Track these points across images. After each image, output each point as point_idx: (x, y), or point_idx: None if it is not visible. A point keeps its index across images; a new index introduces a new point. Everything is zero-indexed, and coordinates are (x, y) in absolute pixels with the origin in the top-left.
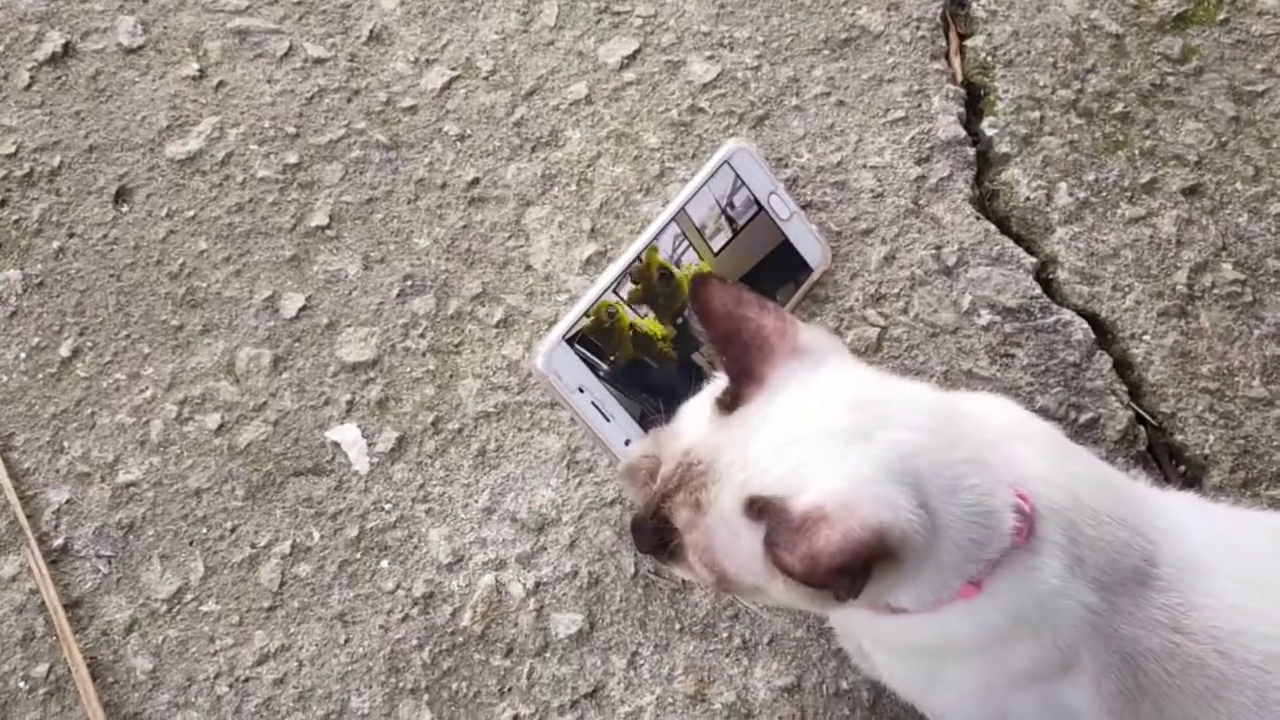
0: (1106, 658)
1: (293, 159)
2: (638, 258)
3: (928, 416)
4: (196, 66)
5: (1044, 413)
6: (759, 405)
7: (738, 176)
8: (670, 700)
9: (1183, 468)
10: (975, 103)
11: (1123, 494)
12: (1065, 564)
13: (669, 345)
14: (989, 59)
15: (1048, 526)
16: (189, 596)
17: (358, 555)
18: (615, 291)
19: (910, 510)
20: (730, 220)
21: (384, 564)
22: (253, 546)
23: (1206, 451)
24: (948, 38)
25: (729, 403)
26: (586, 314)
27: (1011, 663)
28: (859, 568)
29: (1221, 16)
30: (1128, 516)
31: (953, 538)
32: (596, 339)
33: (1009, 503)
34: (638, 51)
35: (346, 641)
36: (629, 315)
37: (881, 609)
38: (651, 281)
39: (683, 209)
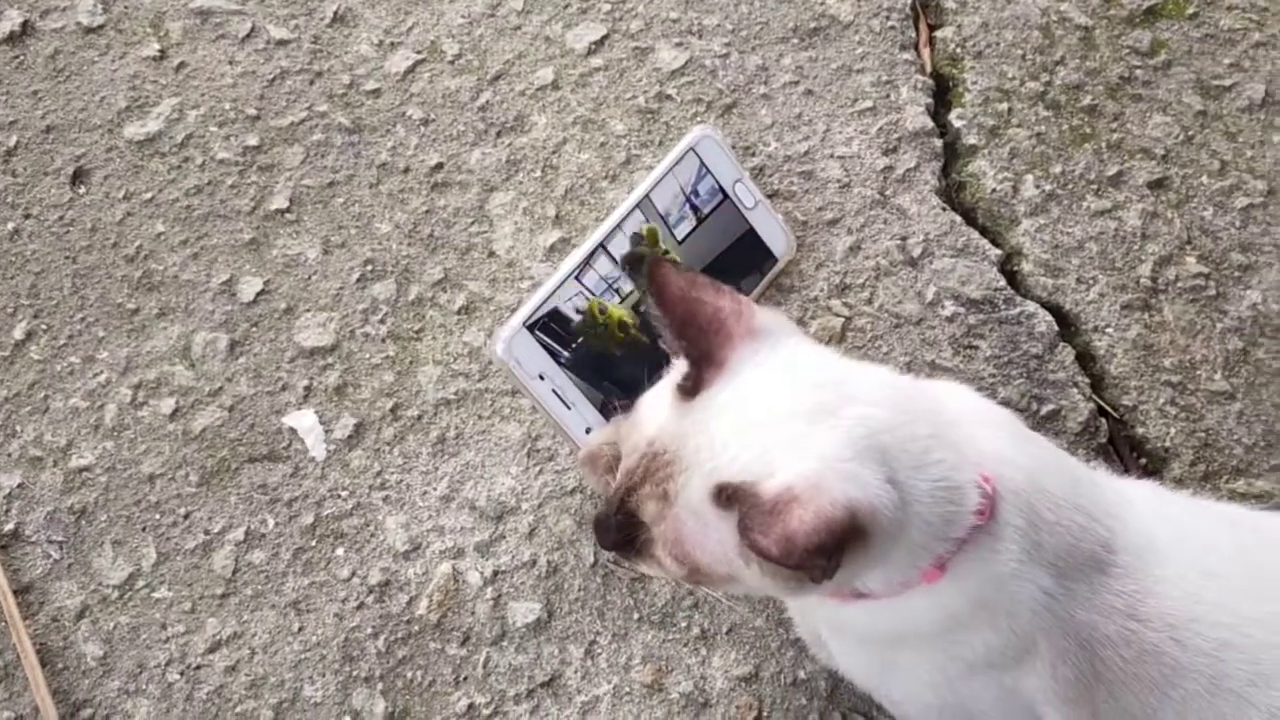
0: (1063, 644)
1: (253, 141)
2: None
3: (890, 392)
4: (157, 47)
5: (1006, 404)
6: (720, 389)
7: (703, 164)
8: (627, 690)
9: (1144, 460)
10: (943, 94)
11: (1081, 480)
12: (1024, 547)
13: (638, 332)
14: (958, 50)
15: (1008, 508)
16: (141, 583)
17: (313, 543)
18: (578, 279)
19: (878, 486)
20: (695, 209)
21: (340, 552)
22: (206, 533)
23: (1167, 444)
24: (917, 29)
25: (690, 388)
26: (579, 311)
27: (970, 649)
28: (834, 545)
29: (1191, 10)
30: (1085, 502)
31: (921, 514)
32: (591, 337)
33: (973, 480)
34: (605, 37)
35: (300, 629)
36: (620, 310)
37: (848, 595)
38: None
39: (647, 196)
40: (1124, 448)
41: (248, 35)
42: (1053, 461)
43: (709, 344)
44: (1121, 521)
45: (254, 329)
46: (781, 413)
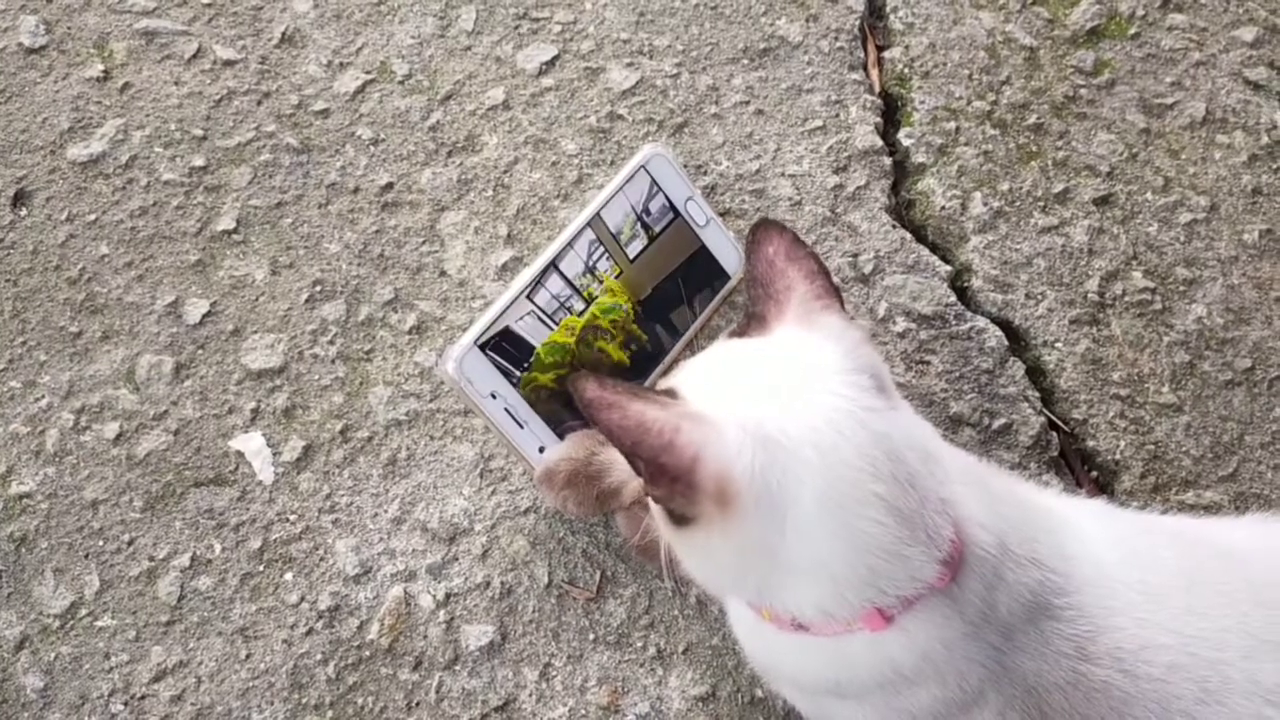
0: (1011, 691)
1: (199, 162)
2: (568, 250)
3: (877, 441)
4: (101, 68)
5: (958, 419)
6: (747, 343)
7: (654, 182)
8: (583, 712)
9: (1094, 473)
10: (892, 113)
11: (1040, 529)
12: (981, 611)
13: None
14: (906, 70)
15: (972, 576)
16: (83, 611)
17: (261, 568)
18: (530, 297)
19: (748, 472)
20: (646, 227)
21: (288, 576)
22: (151, 559)
23: (1118, 457)
24: (866, 49)
25: (736, 333)
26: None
27: (914, 702)
28: (638, 452)
29: (1133, 31)
30: (1044, 552)
31: (834, 551)
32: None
33: (937, 556)
34: (556, 58)
35: (248, 657)
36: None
37: (785, 621)
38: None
39: (598, 215)
40: (1075, 461)
41: (194, 56)
42: (1021, 518)
43: (766, 309)
44: (1074, 561)
45: (200, 351)
46: (762, 373)
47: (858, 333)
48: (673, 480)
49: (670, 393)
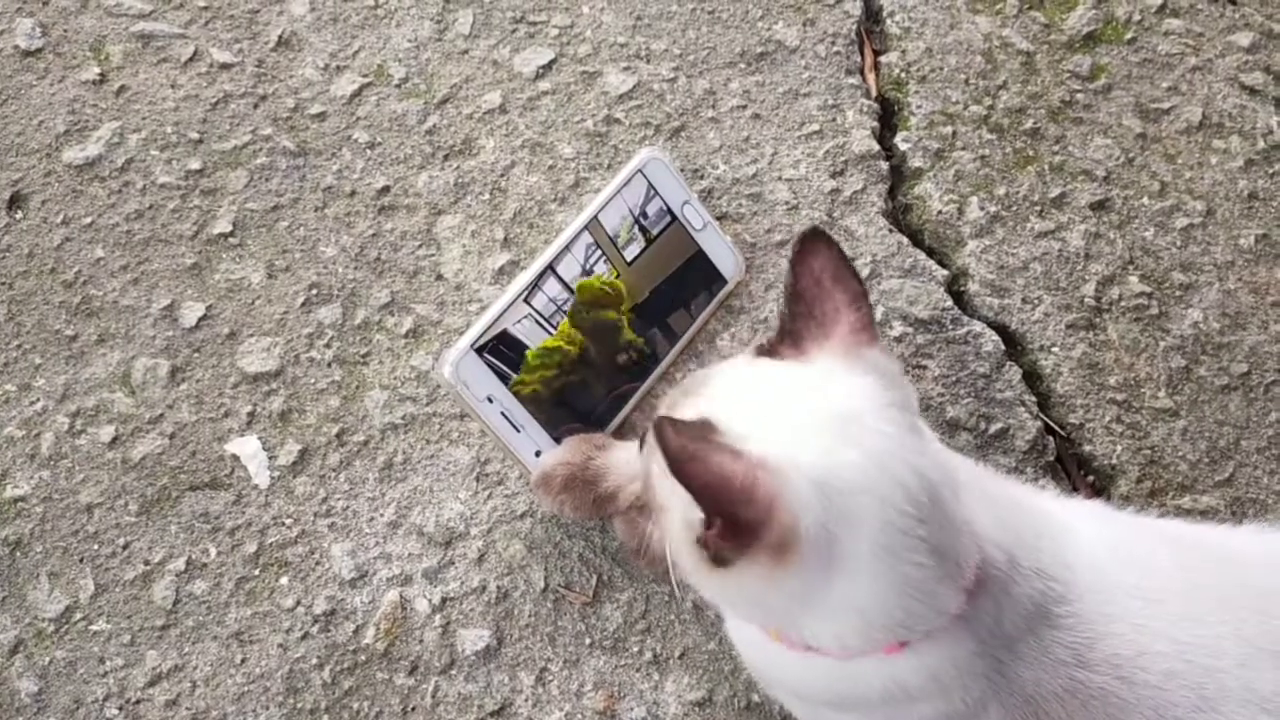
0: (1011, 702)
1: (195, 165)
2: (565, 254)
3: (923, 483)
4: (97, 71)
5: (954, 424)
6: (783, 367)
7: (651, 186)
8: (580, 717)
9: (1091, 477)
10: (889, 118)
11: (1042, 536)
12: (990, 629)
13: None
14: (903, 75)
15: (985, 596)
16: (78, 616)
17: (256, 572)
18: (527, 301)
19: (815, 523)
20: (644, 230)
21: (284, 581)
22: (146, 563)
23: (1114, 461)
24: (862, 54)
25: (765, 351)
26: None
27: (914, 716)
28: (721, 500)
29: (1129, 35)
30: (1046, 562)
31: (875, 595)
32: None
33: (962, 585)
34: (553, 61)
35: (243, 661)
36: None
37: (796, 643)
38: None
39: (595, 218)
40: (1071, 465)
41: (190, 59)
42: (1023, 527)
43: (806, 331)
44: (1074, 568)
45: (196, 355)
46: (813, 411)
47: (897, 366)
48: (746, 532)
49: (707, 424)
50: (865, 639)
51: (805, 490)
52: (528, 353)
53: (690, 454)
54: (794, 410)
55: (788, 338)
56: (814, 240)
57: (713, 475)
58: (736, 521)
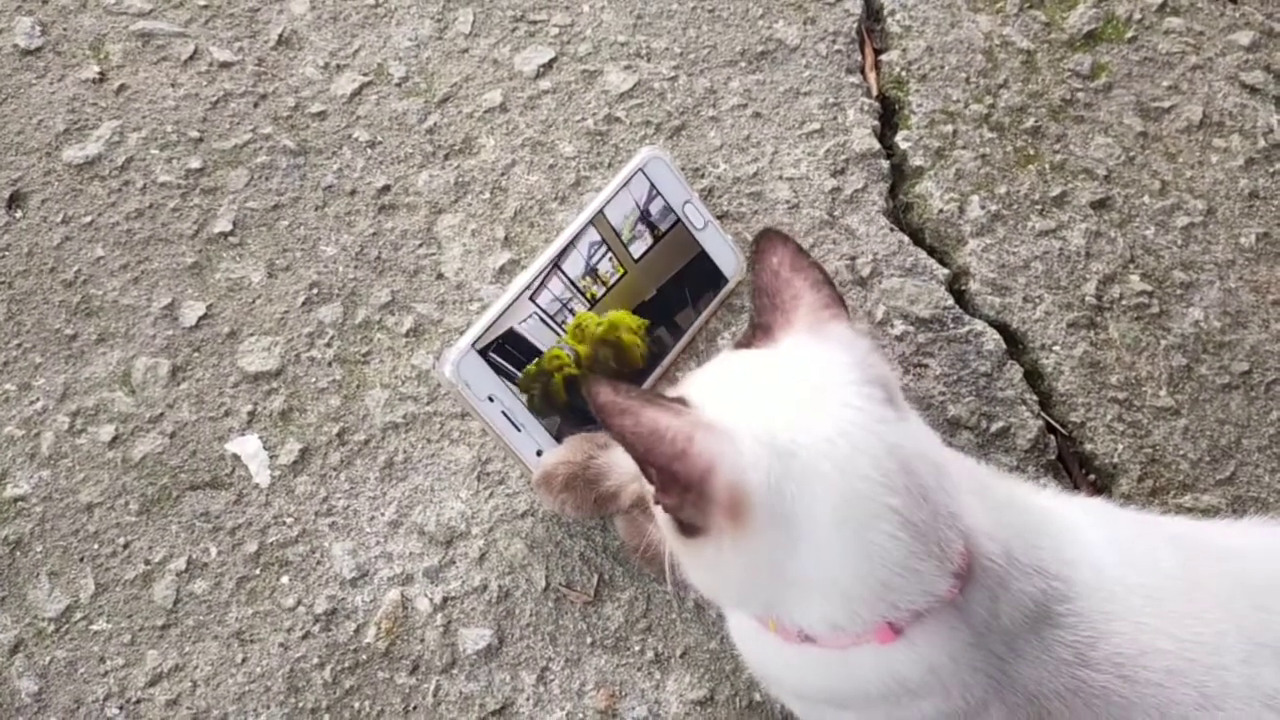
0: (1014, 700)
1: (196, 164)
2: (570, 250)
3: (892, 454)
4: (97, 69)
5: (956, 423)
6: (753, 354)
7: (652, 185)
8: (581, 716)
9: (1092, 476)
10: (890, 116)
11: (1043, 533)
12: (986, 622)
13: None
14: (903, 74)
15: (978, 587)
16: (78, 615)
17: (257, 571)
18: (533, 299)
19: (763, 482)
20: (651, 226)
21: (284, 580)
22: (146, 563)
23: (1115, 460)
24: (863, 52)
25: (742, 344)
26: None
27: (916, 713)
28: (651, 459)
29: (1130, 34)
30: (1046, 558)
31: (846, 565)
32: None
33: (948, 569)
34: (554, 60)
35: (244, 661)
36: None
37: (792, 633)
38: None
39: (600, 213)
40: (1073, 464)
41: (190, 57)
42: (1023, 525)
43: (771, 319)
44: (1075, 566)
45: (196, 354)
46: (773, 383)
47: (867, 342)
48: (685, 489)
49: (681, 400)
50: (850, 616)
51: (751, 448)
52: (527, 368)
53: (621, 408)
54: (754, 384)
55: (758, 330)
56: (769, 238)
57: (644, 428)
58: (674, 477)
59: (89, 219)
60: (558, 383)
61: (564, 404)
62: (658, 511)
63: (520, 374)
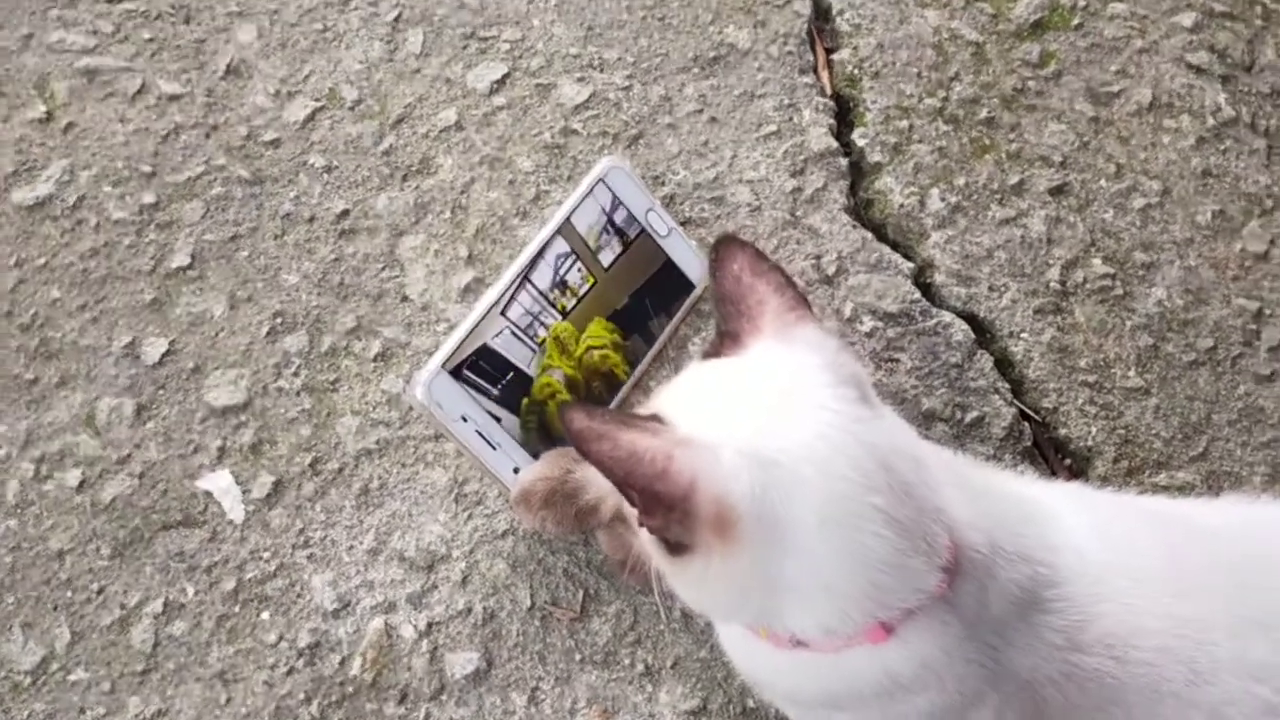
0: (1008, 689)
1: (149, 199)
2: (521, 281)
3: (871, 452)
4: (43, 109)
5: (930, 415)
6: (723, 363)
7: (614, 195)
8: None
9: (1068, 460)
10: (845, 114)
11: (1026, 520)
12: (976, 613)
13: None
14: (856, 71)
15: (967, 579)
16: (55, 666)
17: (236, 609)
18: (504, 314)
19: (747, 494)
20: (620, 233)
21: (265, 616)
22: (122, 608)
23: (1090, 443)
24: (814, 53)
25: (709, 353)
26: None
27: (913, 709)
28: (629, 482)
29: (1076, 21)
30: (1031, 546)
31: (835, 568)
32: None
33: (937, 564)
34: (507, 76)
35: (228, 701)
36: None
37: (784, 639)
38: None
39: (568, 223)
40: (1048, 449)
41: (138, 92)
42: (1004, 513)
43: (738, 326)
44: (1059, 551)
45: (161, 391)
46: (746, 392)
47: (835, 342)
48: (669, 509)
49: (655, 418)
50: (842, 618)
51: (731, 461)
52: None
53: (597, 433)
54: (727, 394)
55: (726, 338)
56: (727, 245)
57: (622, 451)
58: (657, 497)
59: (43, 260)
60: (553, 411)
61: (562, 432)
62: (642, 533)
63: (496, 389)
